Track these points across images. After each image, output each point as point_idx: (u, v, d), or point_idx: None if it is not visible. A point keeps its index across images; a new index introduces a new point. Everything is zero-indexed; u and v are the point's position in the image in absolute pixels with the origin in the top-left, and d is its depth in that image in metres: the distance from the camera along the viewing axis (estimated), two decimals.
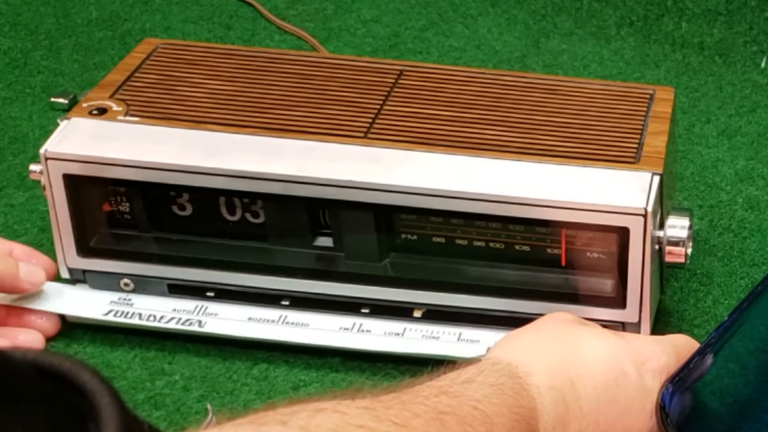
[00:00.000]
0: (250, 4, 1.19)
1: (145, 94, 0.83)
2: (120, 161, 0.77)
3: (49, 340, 0.80)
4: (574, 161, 0.77)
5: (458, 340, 0.78)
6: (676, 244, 0.77)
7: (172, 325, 0.79)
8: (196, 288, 0.81)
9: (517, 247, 0.78)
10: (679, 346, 0.69)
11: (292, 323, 0.79)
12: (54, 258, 0.81)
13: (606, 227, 0.74)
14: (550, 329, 0.69)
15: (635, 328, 0.77)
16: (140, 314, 0.80)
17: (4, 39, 1.13)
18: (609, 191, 0.75)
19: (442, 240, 0.79)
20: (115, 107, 0.81)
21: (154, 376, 0.78)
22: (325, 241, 0.79)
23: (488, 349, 0.75)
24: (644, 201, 0.74)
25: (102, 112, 0.81)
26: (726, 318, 0.70)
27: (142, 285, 0.81)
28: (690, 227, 0.78)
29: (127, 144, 0.78)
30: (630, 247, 0.74)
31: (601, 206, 0.74)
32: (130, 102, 0.82)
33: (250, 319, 0.80)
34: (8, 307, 0.79)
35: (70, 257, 0.80)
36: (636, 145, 0.79)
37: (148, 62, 0.86)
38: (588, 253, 0.77)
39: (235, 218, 0.80)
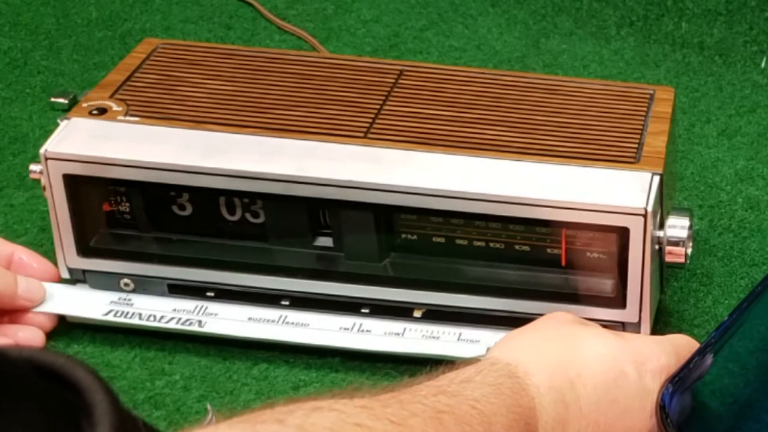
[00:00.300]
0: (250, 4, 1.19)
1: (145, 94, 0.83)
2: (120, 161, 0.77)
3: (48, 336, 0.80)
4: (574, 161, 0.77)
5: (458, 340, 0.78)
6: (676, 244, 0.77)
7: (172, 325, 0.79)
8: (196, 288, 0.81)
9: (517, 247, 0.78)
10: (679, 346, 0.69)
11: (292, 323, 0.79)
12: (55, 258, 0.81)
13: (606, 227, 0.74)
14: (550, 329, 0.69)
15: (635, 328, 0.77)
16: (140, 314, 0.80)
17: (4, 39, 1.13)
18: (609, 191, 0.75)
19: (442, 240, 0.79)
20: (115, 107, 0.81)
21: (154, 376, 0.78)
22: (325, 241, 0.79)
23: (488, 349, 0.75)
24: (644, 201, 0.74)
25: (102, 112, 0.81)
26: (726, 318, 0.70)
27: (142, 285, 0.81)
28: (690, 227, 0.78)
29: (127, 144, 0.78)
30: (630, 247, 0.74)
31: (601, 206, 0.74)
32: (130, 102, 0.82)
33: (250, 319, 0.80)
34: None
35: (70, 257, 0.80)
36: (636, 145, 0.79)
37: (148, 62, 0.86)
38: (588, 253, 0.77)
39: (235, 218, 0.80)
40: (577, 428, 0.63)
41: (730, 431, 0.67)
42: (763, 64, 1.10)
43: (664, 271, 0.80)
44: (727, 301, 0.84)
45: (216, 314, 0.80)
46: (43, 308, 0.80)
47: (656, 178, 0.76)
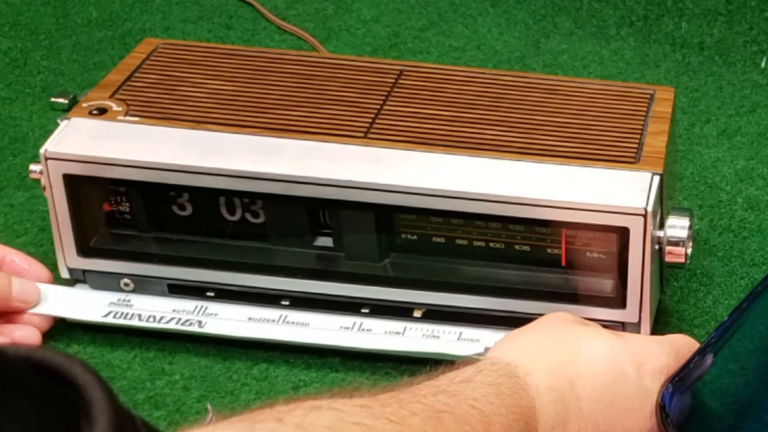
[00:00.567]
0: (250, 4, 1.19)
1: (145, 94, 0.83)
2: (120, 161, 0.77)
3: (49, 337, 0.80)
4: (574, 161, 0.77)
5: (458, 339, 0.78)
6: (676, 244, 0.77)
7: (172, 326, 0.79)
8: (196, 288, 0.81)
9: (517, 247, 0.78)
10: (679, 346, 0.69)
11: (293, 323, 0.79)
12: (54, 258, 0.81)
13: (606, 227, 0.74)
14: (550, 329, 0.69)
15: (635, 328, 0.77)
16: (140, 315, 0.80)
17: (4, 39, 1.13)
18: (609, 191, 0.75)
19: (442, 240, 0.79)
20: (115, 107, 0.81)
21: (154, 376, 0.78)
22: (325, 241, 0.79)
23: (486, 349, 0.75)
24: (644, 201, 0.74)
25: (102, 112, 0.81)
26: (726, 318, 0.70)
27: (142, 285, 0.81)
28: (690, 227, 0.78)
29: (127, 144, 0.78)
30: (630, 247, 0.74)
31: (601, 206, 0.74)
32: (130, 102, 0.82)
33: (250, 319, 0.80)
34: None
35: (70, 257, 0.80)
36: (636, 145, 0.79)
37: (148, 62, 0.86)
38: (588, 253, 0.77)
39: (235, 218, 0.80)
40: (577, 428, 0.63)
41: (730, 431, 0.67)
42: (763, 64, 1.10)
43: (664, 271, 0.80)
44: (727, 301, 0.84)
45: (216, 314, 0.80)
46: (39, 310, 0.79)
47: (656, 178, 0.76)
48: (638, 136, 0.79)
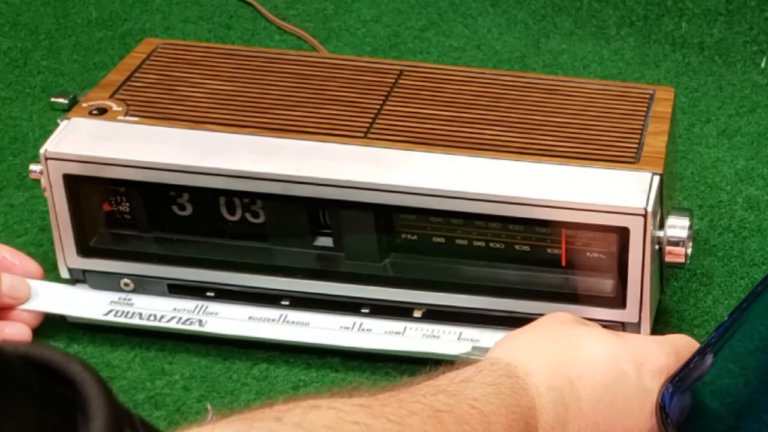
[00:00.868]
0: (250, 4, 1.19)
1: (145, 94, 0.83)
2: (120, 161, 0.77)
3: (49, 337, 0.80)
4: (574, 161, 0.77)
5: (458, 339, 0.78)
6: (676, 244, 0.77)
7: (172, 325, 0.79)
8: (196, 288, 0.81)
9: (517, 247, 0.78)
10: (679, 346, 0.69)
11: (293, 322, 0.79)
12: (54, 258, 0.81)
13: (606, 227, 0.74)
14: (550, 329, 0.69)
15: (635, 328, 0.77)
16: (140, 314, 0.80)
17: (4, 39, 1.13)
18: (609, 191, 0.75)
19: (442, 240, 0.79)
20: (115, 107, 0.81)
21: (154, 376, 0.78)
22: (325, 241, 0.79)
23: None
24: (644, 201, 0.74)
25: (102, 112, 0.81)
26: (726, 318, 0.70)
27: (142, 285, 0.81)
28: (690, 227, 0.77)
29: (127, 144, 0.78)
30: (630, 247, 0.74)
31: (601, 206, 0.74)
32: (130, 102, 0.82)
33: (250, 318, 0.80)
34: None
35: (70, 257, 0.80)
36: (636, 145, 0.79)
37: (148, 62, 0.86)
38: (588, 253, 0.77)
39: (235, 218, 0.80)
40: (577, 428, 0.63)
41: (730, 431, 0.67)
42: (763, 64, 1.10)
43: (664, 271, 0.80)
44: (727, 301, 0.84)
45: (216, 313, 0.80)
46: (29, 306, 0.79)
47: (656, 178, 0.76)
48: (638, 136, 0.79)
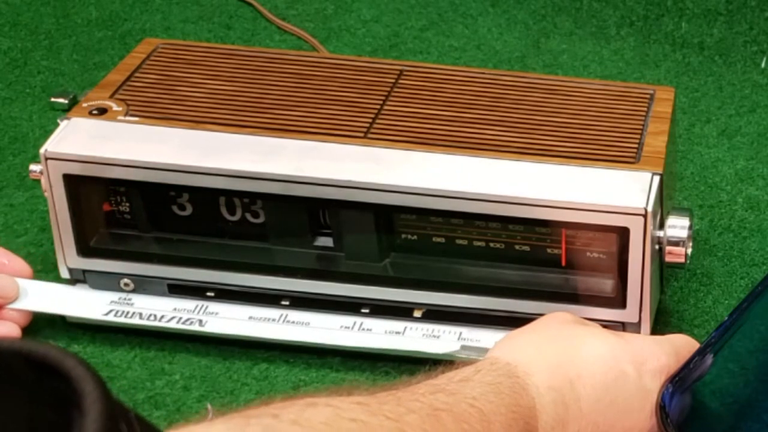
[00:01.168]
0: (250, 4, 1.19)
1: (145, 94, 0.83)
2: (120, 161, 0.77)
3: (48, 337, 0.80)
4: (574, 161, 0.77)
5: (458, 339, 0.78)
6: (676, 244, 0.77)
7: (172, 325, 0.79)
8: (196, 288, 0.81)
9: (517, 247, 0.78)
10: (679, 346, 0.69)
11: (293, 322, 0.79)
12: (54, 258, 0.81)
13: (606, 227, 0.74)
14: (550, 329, 0.69)
15: (635, 328, 0.77)
16: (140, 314, 0.80)
17: (4, 39, 1.13)
18: (609, 191, 0.75)
19: (442, 240, 0.79)
20: (115, 107, 0.81)
21: (154, 376, 0.78)
22: (325, 241, 0.79)
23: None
24: (644, 201, 0.74)
25: (102, 112, 0.81)
26: (726, 318, 0.70)
27: (142, 285, 0.81)
28: (690, 227, 0.78)
29: (127, 144, 0.78)
30: (630, 247, 0.74)
31: (601, 206, 0.74)
32: (130, 102, 0.82)
33: (250, 318, 0.80)
34: None
35: (70, 257, 0.80)
36: (636, 145, 0.79)
37: (148, 62, 0.86)
38: (588, 253, 0.77)
39: (235, 218, 0.80)
40: (577, 428, 0.63)
41: (730, 431, 0.67)
42: (763, 64, 1.10)
43: (664, 271, 0.80)
44: (727, 301, 0.84)
45: (216, 313, 0.80)
46: (18, 305, 0.79)
47: (656, 178, 0.76)
48: (638, 136, 0.79)
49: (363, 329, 0.79)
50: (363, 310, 0.80)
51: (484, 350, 0.76)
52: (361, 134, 0.79)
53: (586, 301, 0.77)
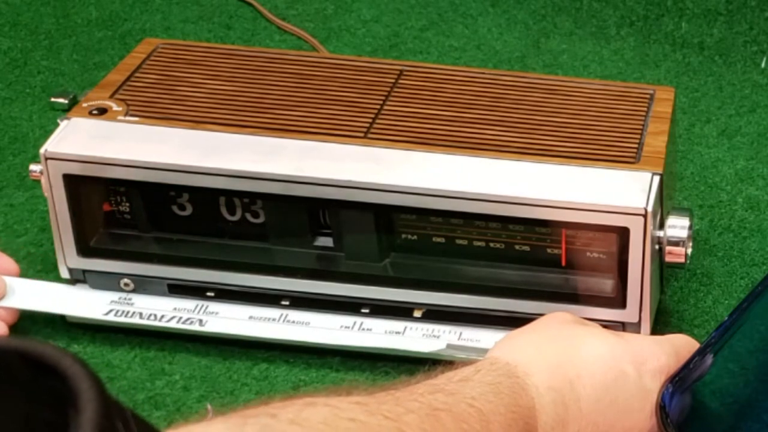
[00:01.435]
0: (250, 4, 1.19)
1: (145, 94, 0.83)
2: (120, 161, 0.77)
3: (48, 337, 0.80)
4: (574, 161, 0.77)
5: (458, 339, 0.78)
6: (676, 244, 0.77)
7: (173, 324, 0.79)
8: (197, 288, 0.81)
9: (517, 247, 0.78)
10: (679, 346, 0.69)
11: (294, 321, 0.79)
12: (54, 258, 0.81)
13: (606, 227, 0.74)
14: (550, 329, 0.69)
15: (635, 328, 0.77)
16: (141, 313, 0.80)
17: (4, 39, 1.13)
18: (609, 191, 0.75)
19: (442, 240, 0.79)
20: (115, 107, 0.81)
21: (154, 376, 0.78)
22: (325, 241, 0.79)
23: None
24: (644, 201, 0.74)
25: (102, 112, 0.81)
26: (726, 318, 0.70)
27: (142, 285, 0.81)
28: (690, 227, 0.78)
29: (127, 144, 0.78)
30: (630, 247, 0.74)
31: (601, 206, 0.74)
32: (130, 102, 0.82)
33: (251, 317, 0.80)
34: None
35: (70, 257, 0.80)
36: (636, 145, 0.79)
37: (148, 62, 0.86)
38: (588, 253, 0.77)
39: (235, 218, 0.80)
40: (577, 428, 0.63)
41: (730, 431, 0.67)
42: (763, 64, 1.10)
43: (664, 271, 0.80)
44: (727, 301, 0.84)
45: (217, 313, 0.80)
46: (5, 303, 0.79)
47: (656, 178, 0.76)
48: (638, 136, 0.79)
49: (363, 329, 0.79)
50: (363, 310, 0.80)
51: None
52: (361, 134, 0.79)
53: (586, 301, 0.77)
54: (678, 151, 0.95)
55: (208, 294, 0.81)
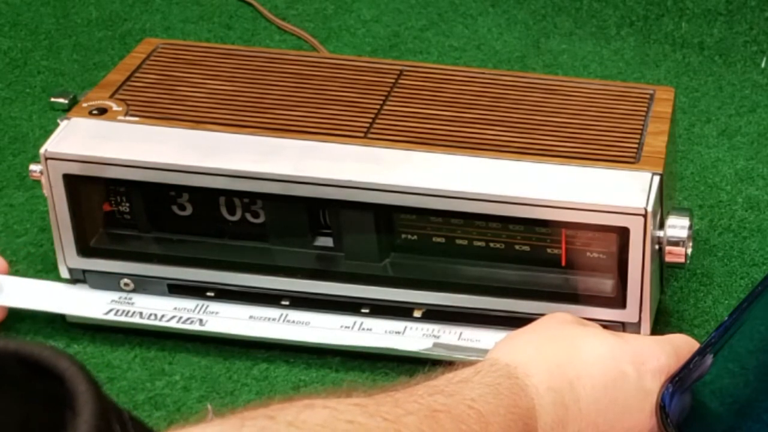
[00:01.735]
0: (250, 4, 1.19)
1: (145, 94, 0.83)
2: (120, 161, 0.77)
3: (48, 337, 0.80)
4: (574, 161, 0.77)
5: (459, 339, 0.78)
6: (676, 244, 0.77)
7: (173, 324, 0.79)
8: (196, 288, 0.81)
9: (517, 247, 0.78)
10: (679, 346, 0.69)
11: (293, 322, 0.79)
12: (54, 258, 0.81)
13: (606, 227, 0.74)
14: (550, 330, 0.69)
15: (635, 328, 0.77)
16: (141, 313, 0.80)
17: (4, 39, 1.13)
18: (609, 191, 0.75)
19: (442, 240, 0.79)
20: (115, 107, 0.81)
21: (154, 377, 0.78)
22: (325, 241, 0.79)
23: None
24: (644, 201, 0.74)
25: (102, 112, 0.81)
26: (726, 318, 0.70)
27: (142, 285, 0.81)
28: (690, 227, 0.78)
29: (127, 144, 0.78)
30: (630, 247, 0.74)
31: (601, 206, 0.74)
32: (130, 102, 0.82)
33: (251, 317, 0.80)
34: None
35: (70, 257, 0.80)
36: (636, 145, 0.79)
37: (148, 62, 0.86)
38: (588, 253, 0.77)
39: (235, 218, 0.80)
40: (577, 429, 0.63)
41: (730, 431, 0.67)
42: (763, 64, 1.10)
43: (664, 271, 0.80)
44: (727, 301, 0.84)
45: (217, 313, 0.80)
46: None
47: (656, 178, 0.76)
48: (638, 136, 0.79)
49: (363, 329, 0.79)
50: (363, 310, 0.80)
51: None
52: (361, 134, 0.79)
53: (586, 301, 0.77)
54: (678, 151, 0.95)
55: (208, 294, 0.81)
